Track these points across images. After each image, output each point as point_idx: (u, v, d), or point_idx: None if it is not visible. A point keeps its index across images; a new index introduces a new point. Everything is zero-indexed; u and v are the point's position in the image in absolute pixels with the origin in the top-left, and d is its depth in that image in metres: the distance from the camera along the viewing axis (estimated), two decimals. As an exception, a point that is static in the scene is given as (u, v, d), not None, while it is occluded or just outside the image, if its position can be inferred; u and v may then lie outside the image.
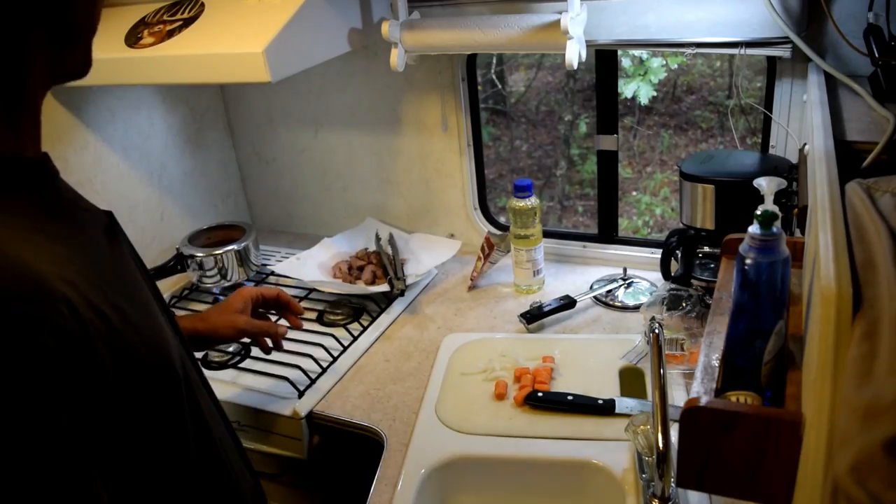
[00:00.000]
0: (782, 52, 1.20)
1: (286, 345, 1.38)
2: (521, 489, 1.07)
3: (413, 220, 1.78)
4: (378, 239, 1.69)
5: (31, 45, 0.57)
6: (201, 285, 1.61)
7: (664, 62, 2.84)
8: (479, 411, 1.15)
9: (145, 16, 1.32)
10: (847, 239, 0.53)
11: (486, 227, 1.68)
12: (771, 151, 1.34)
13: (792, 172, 1.14)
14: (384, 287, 1.51)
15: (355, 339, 1.40)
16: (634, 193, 3.38)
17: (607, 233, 1.60)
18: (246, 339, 1.30)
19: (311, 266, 1.61)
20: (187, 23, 1.26)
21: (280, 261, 1.67)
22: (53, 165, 0.62)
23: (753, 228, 0.64)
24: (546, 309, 1.38)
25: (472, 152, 1.64)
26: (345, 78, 1.67)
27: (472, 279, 1.55)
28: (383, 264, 1.58)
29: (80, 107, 1.46)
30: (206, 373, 1.35)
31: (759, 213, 0.63)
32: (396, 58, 1.36)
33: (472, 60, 1.55)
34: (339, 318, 1.48)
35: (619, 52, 1.50)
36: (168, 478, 0.63)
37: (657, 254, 1.38)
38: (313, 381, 1.27)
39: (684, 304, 1.22)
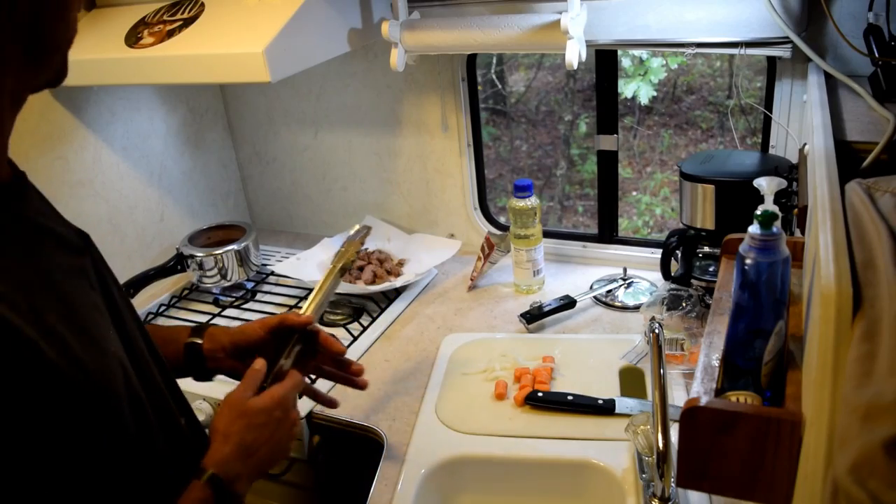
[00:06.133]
0: (782, 52, 1.20)
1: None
2: (521, 489, 1.07)
3: (413, 220, 1.78)
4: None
5: (4, 62, 0.57)
6: (201, 285, 1.61)
7: (664, 62, 2.84)
8: (479, 411, 1.15)
9: (145, 16, 1.33)
10: (847, 239, 0.53)
11: (486, 227, 1.68)
12: (771, 151, 1.34)
13: (792, 172, 1.14)
14: (384, 287, 1.51)
15: (355, 339, 1.40)
16: (634, 193, 3.38)
17: (607, 233, 1.60)
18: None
19: (311, 266, 1.61)
20: (187, 23, 1.26)
21: (280, 261, 1.67)
22: (24, 186, 0.64)
23: (753, 228, 0.64)
24: (546, 309, 1.38)
25: (472, 152, 1.64)
26: (345, 78, 1.67)
27: (472, 279, 1.55)
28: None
29: (81, 107, 1.46)
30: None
31: (759, 213, 0.63)
32: (396, 58, 1.36)
33: (472, 60, 1.55)
34: (339, 318, 1.48)
35: (619, 52, 1.50)
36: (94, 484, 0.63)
37: (657, 254, 1.37)
38: (313, 381, 1.27)
39: (684, 304, 1.22)
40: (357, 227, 1.12)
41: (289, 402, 0.85)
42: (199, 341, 0.95)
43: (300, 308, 1.52)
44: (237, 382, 0.87)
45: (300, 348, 0.95)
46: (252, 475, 0.79)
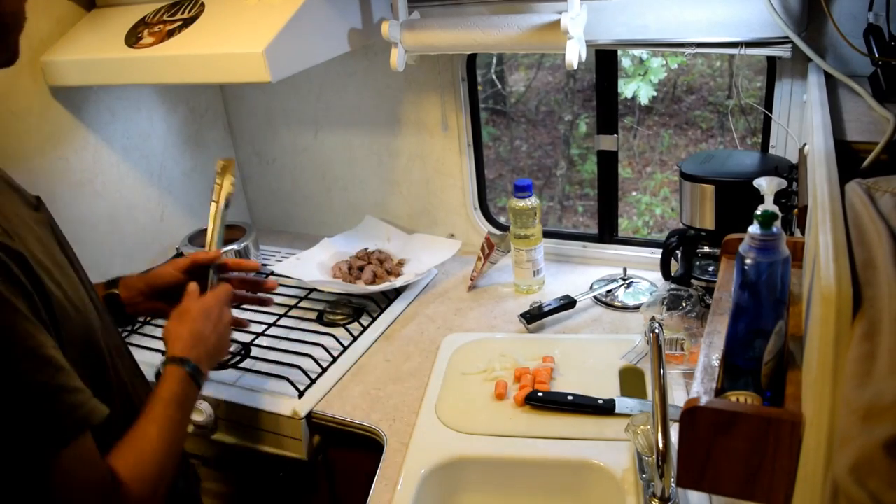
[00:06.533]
0: (782, 52, 1.20)
1: (286, 345, 1.39)
2: (521, 489, 1.07)
3: (413, 220, 1.78)
4: None
5: None
6: (201, 285, 1.61)
7: (664, 62, 2.84)
8: (479, 411, 1.15)
9: (145, 16, 1.33)
10: (847, 239, 0.53)
11: (486, 227, 1.68)
12: (771, 151, 1.34)
13: (792, 172, 1.14)
14: (384, 287, 1.51)
15: (355, 339, 1.40)
16: (634, 193, 3.38)
17: (607, 233, 1.60)
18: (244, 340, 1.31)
19: (311, 266, 1.61)
20: (187, 23, 1.26)
21: (280, 261, 1.67)
22: None
23: (753, 228, 0.64)
24: (546, 309, 1.38)
25: (472, 152, 1.64)
26: (345, 78, 1.67)
27: (472, 279, 1.55)
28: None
29: (80, 107, 1.46)
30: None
31: (759, 213, 0.63)
32: (396, 58, 1.36)
33: (472, 60, 1.55)
34: (339, 318, 1.48)
35: (619, 52, 1.50)
36: None
37: (657, 254, 1.38)
38: (313, 381, 1.27)
39: (684, 304, 1.22)
40: (221, 161, 1.15)
41: (224, 303, 1.02)
42: (117, 291, 1.05)
43: (300, 307, 1.53)
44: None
45: (217, 279, 1.09)
46: (208, 361, 0.94)
